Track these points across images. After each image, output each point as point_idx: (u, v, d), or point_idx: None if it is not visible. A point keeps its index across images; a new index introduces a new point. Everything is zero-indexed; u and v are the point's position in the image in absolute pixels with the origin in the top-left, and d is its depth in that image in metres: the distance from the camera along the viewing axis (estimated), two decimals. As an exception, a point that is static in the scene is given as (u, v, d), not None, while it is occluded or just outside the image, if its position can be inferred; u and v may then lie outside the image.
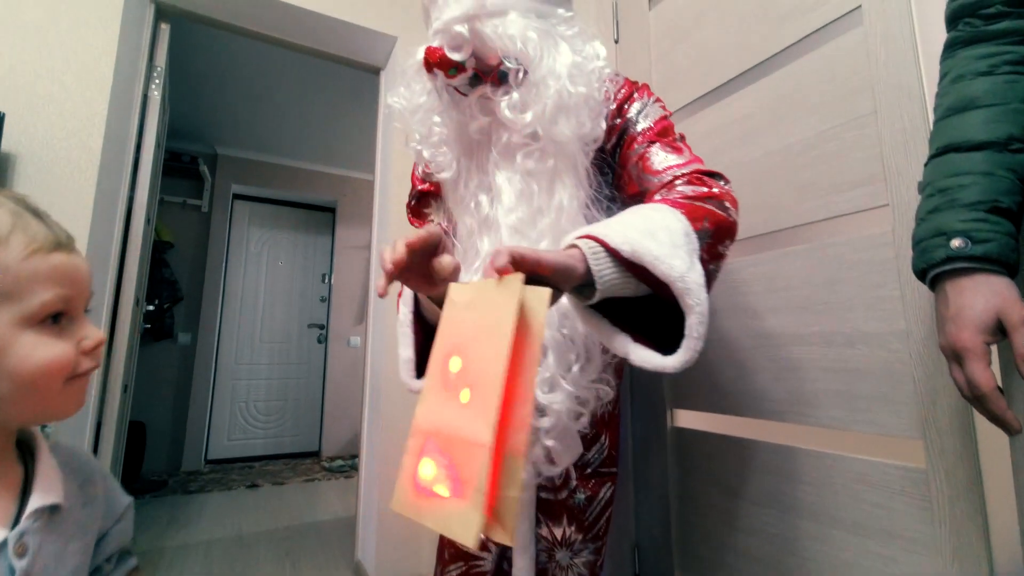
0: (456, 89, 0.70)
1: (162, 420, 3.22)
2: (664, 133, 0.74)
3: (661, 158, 0.71)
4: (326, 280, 3.98)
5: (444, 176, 0.75)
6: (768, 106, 0.94)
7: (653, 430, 1.12)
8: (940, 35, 0.61)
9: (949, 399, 0.67)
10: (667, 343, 0.55)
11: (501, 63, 0.68)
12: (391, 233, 1.78)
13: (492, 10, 0.66)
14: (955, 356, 0.50)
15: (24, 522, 0.39)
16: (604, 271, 0.53)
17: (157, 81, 1.67)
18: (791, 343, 0.86)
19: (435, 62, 0.66)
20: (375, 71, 2.05)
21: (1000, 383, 0.50)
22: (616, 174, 0.76)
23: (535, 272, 0.48)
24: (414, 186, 0.89)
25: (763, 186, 0.94)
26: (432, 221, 0.84)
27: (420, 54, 0.68)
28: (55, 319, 0.40)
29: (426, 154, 0.74)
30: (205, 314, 3.39)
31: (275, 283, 3.83)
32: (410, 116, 0.74)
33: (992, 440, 0.64)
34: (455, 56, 0.66)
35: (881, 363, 0.73)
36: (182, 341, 3.32)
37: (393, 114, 0.77)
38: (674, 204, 0.62)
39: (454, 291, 0.51)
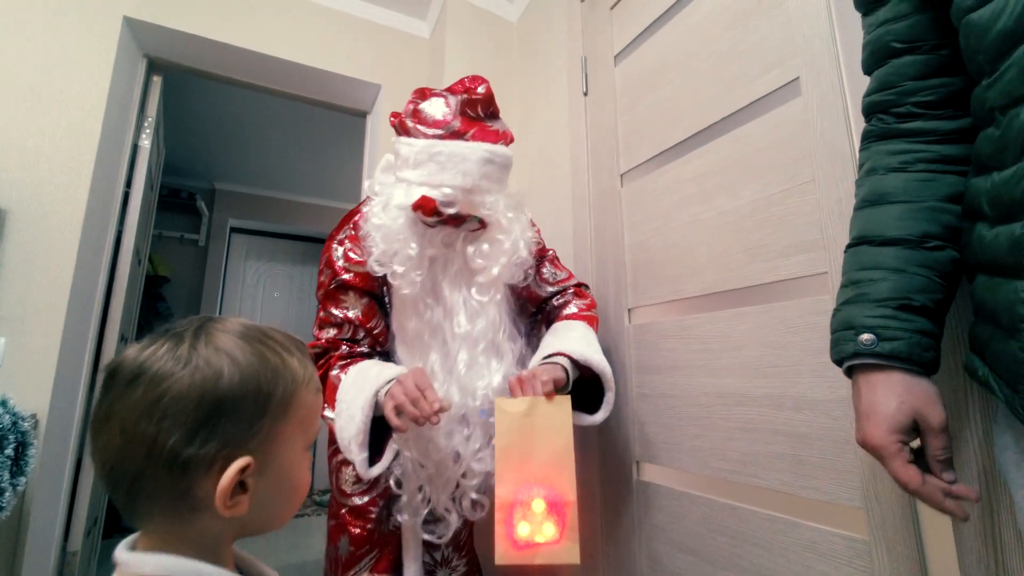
0: (423, 222, 0.90)
1: (154, 454, 3.21)
2: (553, 257, 1.12)
3: (553, 273, 1.10)
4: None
5: (405, 292, 0.91)
6: (721, 167, 0.97)
7: (620, 484, 1.12)
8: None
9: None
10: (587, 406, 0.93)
11: (468, 216, 0.89)
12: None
13: (485, 189, 0.89)
14: (873, 455, 0.49)
15: None
16: (572, 372, 0.90)
17: (148, 131, 1.73)
18: (744, 403, 0.86)
19: (428, 211, 0.86)
20: (362, 115, 2.11)
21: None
22: (528, 286, 1.07)
23: (557, 386, 0.84)
24: (335, 272, 0.95)
25: (717, 245, 0.95)
26: (348, 310, 0.96)
27: (413, 198, 0.87)
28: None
29: (399, 270, 0.89)
30: (199, 347, 3.41)
31: (271, 315, 3.86)
32: (392, 237, 0.89)
33: (935, 513, 0.64)
34: (448, 210, 0.87)
35: (825, 430, 0.74)
36: (176, 374, 3.34)
37: (370, 230, 0.91)
38: (587, 320, 1.03)
39: (507, 404, 0.81)
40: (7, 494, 0.92)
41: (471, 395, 0.89)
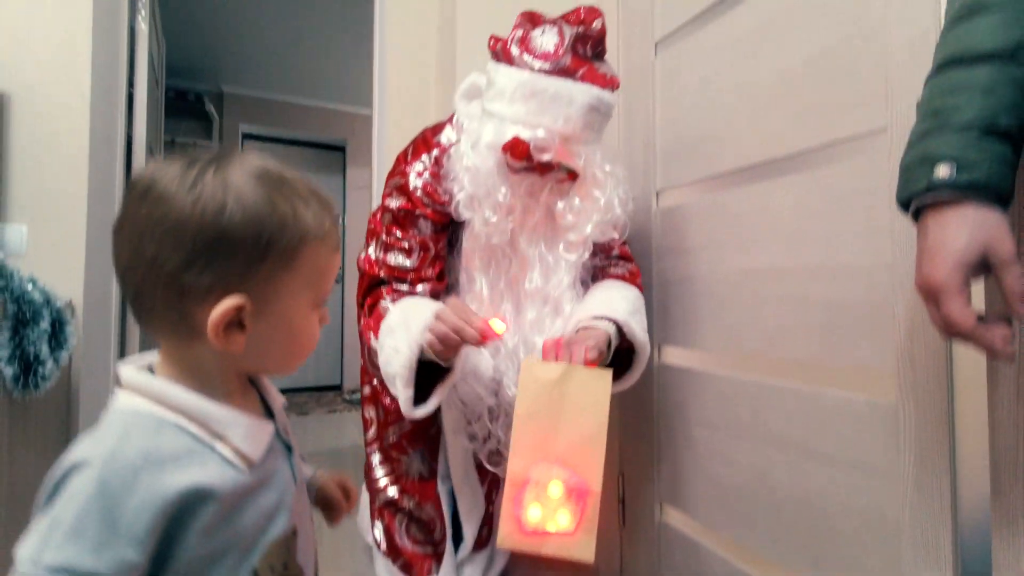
0: (508, 166, 0.81)
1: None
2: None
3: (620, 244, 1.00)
4: (339, 220, 4.01)
5: (494, 241, 0.85)
6: (771, 16, 0.86)
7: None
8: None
9: (927, 332, 0.64)
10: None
11: (557, 166, 0.80)
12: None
13: (583, 138, 0.81)
14: (930, 295, 0.45)
15: (279, 416, 0.49)
16: (614, 342, 0.83)
17: (143, 12, 1.63)
18: (776, 277, 0.83)
19: (518, 154, 0.77)
20: (370, -9, 1.93)
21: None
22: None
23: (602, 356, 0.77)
24: (412, 203, 0.88)
25: (762, 109, 0.87)
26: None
27: (505, 138, 0.78)
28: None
29: (493, 219, 0.82)
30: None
31: (290, 224, 3.88)
32: (480, 180, 0.81)
33: (969, 372, 0.62)
34: (541, 157, 0.78)
35: (863, 297, 0.70)
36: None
37: (459, 171, 0.83)
38: (637, 285, 0.97)
39: (538, 367, 0.70)
40: (48, 364, 0.97)
41: (530, 349, 0.86)
